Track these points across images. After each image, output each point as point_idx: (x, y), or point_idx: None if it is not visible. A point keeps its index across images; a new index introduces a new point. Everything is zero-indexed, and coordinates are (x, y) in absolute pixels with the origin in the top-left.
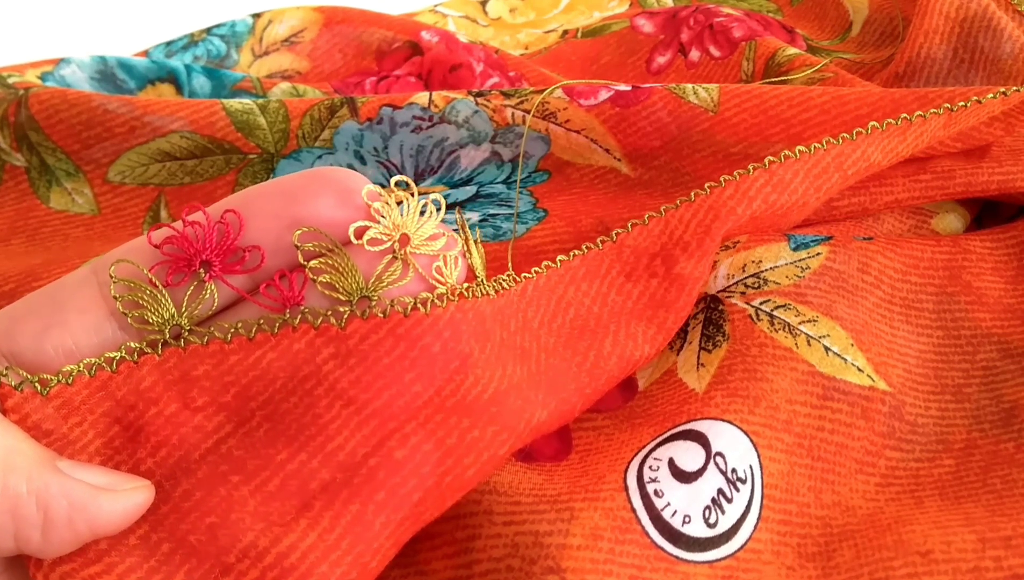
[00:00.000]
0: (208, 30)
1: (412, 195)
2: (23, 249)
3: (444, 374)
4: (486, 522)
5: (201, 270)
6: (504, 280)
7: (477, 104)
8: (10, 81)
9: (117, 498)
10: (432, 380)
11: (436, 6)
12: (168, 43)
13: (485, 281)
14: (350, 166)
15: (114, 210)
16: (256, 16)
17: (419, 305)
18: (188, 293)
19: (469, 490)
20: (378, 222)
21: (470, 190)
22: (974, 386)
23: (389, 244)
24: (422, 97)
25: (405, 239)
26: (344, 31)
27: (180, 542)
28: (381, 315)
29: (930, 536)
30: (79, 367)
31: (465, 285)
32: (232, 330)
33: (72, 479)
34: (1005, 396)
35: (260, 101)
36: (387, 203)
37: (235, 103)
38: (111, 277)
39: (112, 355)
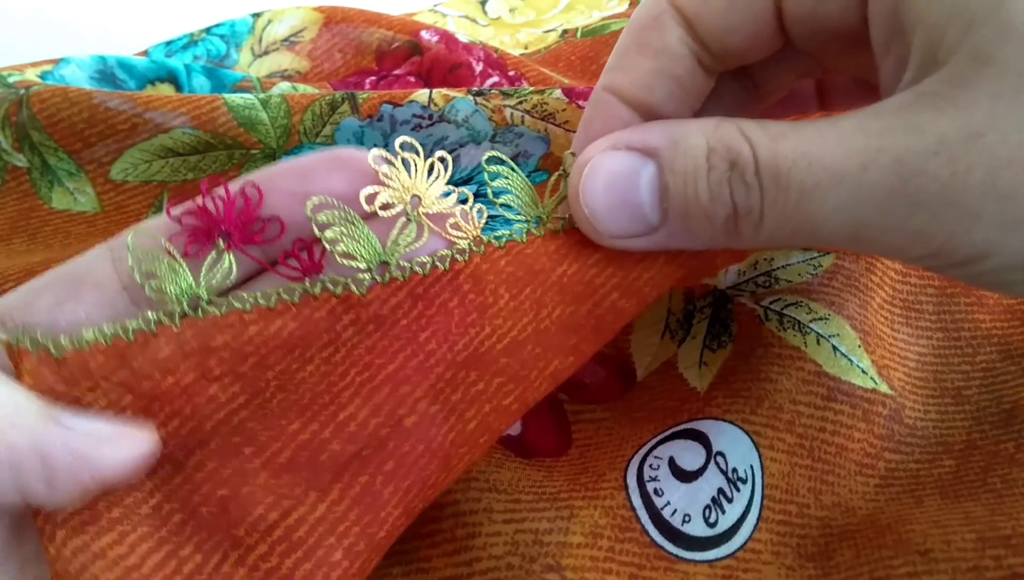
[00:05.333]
0: (208, 29)
1: (418, 155)
2: (24, 247)
3: (460, 328)
4: (486, 520)
5: (220, 241)
6: (533, 230)
7: (476, 103)
8: (10, 80)
9: (119, 445)
10: (447, 336)
11: (436, 6)
12: (168, 43)
13: (542, 221)
14: None
15: (117, 207)
16: (256, 16)
17: (438, 262)
18: (207, 264)
19: (471, 464)
20: (387, 186)
21: (470, 189)
22: (974, 388)
23: (401, 207)
24: (422, 95)
25: (417, 200)
26: (344, 31)
27: (192, 514)
28: (401, 277)
29: (930, 535)
30: (94, 333)
31: (494, 234)
32: (251, 300)
33: (72, 431)
34: (1005, 397)
35: (262, 96)
36: (394, 166)
37: (237, 98)
38: (128, 246)
39: (129, 324)
